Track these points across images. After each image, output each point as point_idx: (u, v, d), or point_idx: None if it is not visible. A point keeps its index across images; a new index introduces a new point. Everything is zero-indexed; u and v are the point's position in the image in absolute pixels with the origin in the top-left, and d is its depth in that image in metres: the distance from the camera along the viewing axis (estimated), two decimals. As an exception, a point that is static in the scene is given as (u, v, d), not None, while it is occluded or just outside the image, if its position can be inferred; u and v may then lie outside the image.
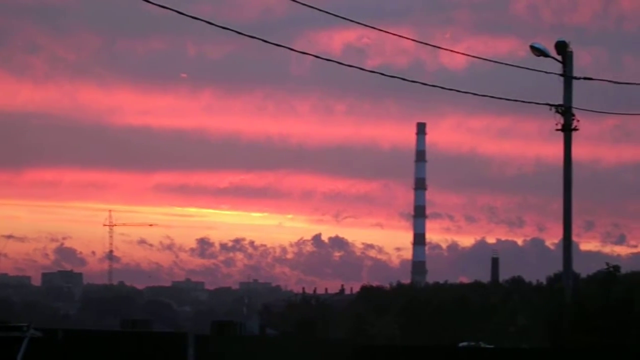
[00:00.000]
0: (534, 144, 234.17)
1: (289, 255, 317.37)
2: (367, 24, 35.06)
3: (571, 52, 38.83)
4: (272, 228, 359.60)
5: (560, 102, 39.22)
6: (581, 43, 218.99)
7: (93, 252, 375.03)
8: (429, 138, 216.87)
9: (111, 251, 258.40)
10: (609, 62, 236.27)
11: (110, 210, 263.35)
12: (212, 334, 60.46)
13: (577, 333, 37.11)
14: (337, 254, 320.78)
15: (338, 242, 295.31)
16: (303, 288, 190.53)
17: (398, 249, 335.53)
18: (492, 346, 62.74)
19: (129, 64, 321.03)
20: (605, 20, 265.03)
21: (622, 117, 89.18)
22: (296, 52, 33.61)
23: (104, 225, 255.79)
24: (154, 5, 26.23)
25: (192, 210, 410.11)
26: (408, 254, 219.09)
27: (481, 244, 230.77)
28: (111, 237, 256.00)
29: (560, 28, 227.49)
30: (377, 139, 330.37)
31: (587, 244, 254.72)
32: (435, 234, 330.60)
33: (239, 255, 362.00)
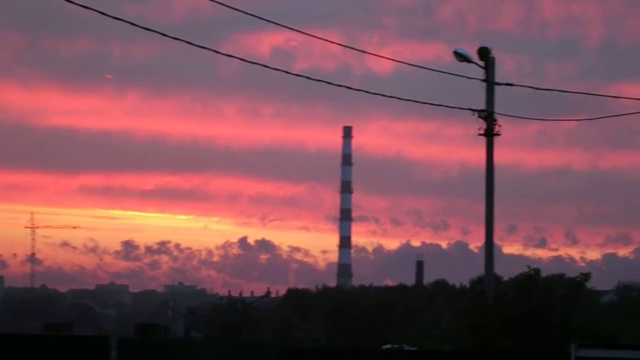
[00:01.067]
0: (458, 148, 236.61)
1: (215, 258, 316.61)
2: (294, 28, 35.14)
3: (493, 58, 39.34)
4: (198, 231, 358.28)
5: (483, 107, 39.71)
6: (505, 49, 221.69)
7: (14, 255, 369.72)
8: (355, 141, 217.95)
9: (33, 254, 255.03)
10: (532, 68, 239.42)
11: (32, 212, 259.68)
12: (135, 337, 59.94)
13: (497, 335, 37.58)
14: (263, 256, 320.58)
15: (264, 245, 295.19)
16: (229, 291, 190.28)
17: (324, 252, 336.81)
18: (415, 348, 63.26)
19: (53, 64, 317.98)
20: (528, 27, 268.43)
21: (544, 122, 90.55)
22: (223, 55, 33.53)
23: (26, 227, 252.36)
24: (78, 6, 26.05)
25: (117, 212, 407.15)
26: (334, 256, 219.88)
27: (406, 247, 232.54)
28: (33, 239, 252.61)
29: (485, 34, 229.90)
30: (304, 142, 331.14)
31: (509, 247, 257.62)
32: (361, 237, 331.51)
33: (165, 258, 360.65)
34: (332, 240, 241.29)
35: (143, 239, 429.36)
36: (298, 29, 35.78)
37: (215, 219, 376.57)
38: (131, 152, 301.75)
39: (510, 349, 36.69)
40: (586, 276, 40.37)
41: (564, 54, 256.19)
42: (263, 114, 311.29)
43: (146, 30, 28.86)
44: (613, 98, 60.26)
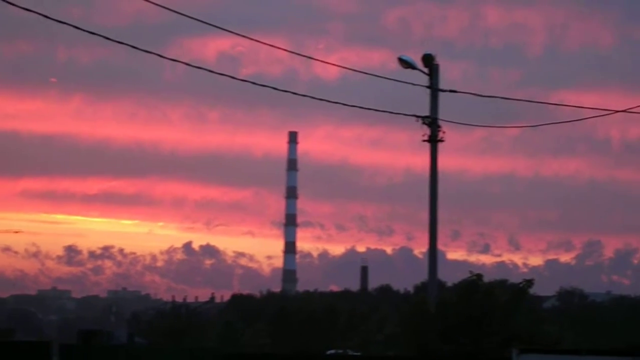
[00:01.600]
0: (404, 154, 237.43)
1: (159, 263, 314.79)
2: (240, 33, 35.11)
3: (437, 65, 39.62)
4: (142, 236, 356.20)
5: (428, 113, 39.95)
6: (450, 56, 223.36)
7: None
8: (301, 147, 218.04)
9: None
10: (476, 75, 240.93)
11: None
12: (78, 343, 59.51)
13: (440, 341, 37.79)
14: (208, 262, 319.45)
15: (209, 250, 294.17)
16: (173, 296, 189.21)
17: (269, 257, 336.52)
18: (358, 353, 63.41)
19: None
20: (472, 34, 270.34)
21: (488, 129, 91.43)
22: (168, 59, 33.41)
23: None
24: (20, 8, 25.85)
25: (60, 217, 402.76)
26: (279, 262, 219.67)
27: (351, 253, 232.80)
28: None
29: (430, 41, 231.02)
30: (250, 147, 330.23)
31: (454, 253, 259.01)
32: (306, 243, 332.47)
33: (108, 263, 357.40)
34: (277, 246, 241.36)
35: (86, 244, 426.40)
36: (244, 34, 35.80)
37: (160, 224, 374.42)
38: (75, 156, 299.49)
39: (453, 354, 36.92)
40: (529, 282, 40.78)
41: (507, 62, 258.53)
42: (209, 119, 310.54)
43: (90, 34, 28.67)
44: (555, 105, 60.98)
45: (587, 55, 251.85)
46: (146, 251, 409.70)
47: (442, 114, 40.32)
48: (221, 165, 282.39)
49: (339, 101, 39.41)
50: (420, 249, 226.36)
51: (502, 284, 50.31)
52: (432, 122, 39.74)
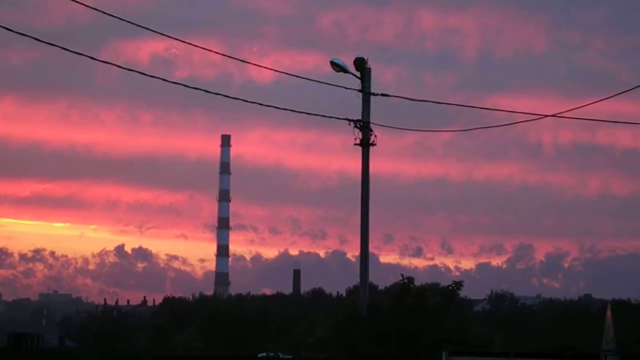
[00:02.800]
0: (337, 158, 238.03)
1: (91, 267, 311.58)
2: (174, 36, 34.98)
3: (369, 68, 39.79)
4: (74, 239, 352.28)
5: (360, 117, 40.12)
6: (385, 60, 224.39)
7: None
8: (234, 150, 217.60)
9: None
10: (410, 79, 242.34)
11: None
12: (8, 346, 58.99)
13: (371, 344, 37.98)
14: (140, 265, 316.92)
15: (141, 253, 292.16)
16: (105, 299, 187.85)
17: (202, 261, 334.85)
18: (290, 356, 63.55)
19: None
20: (407, 39, 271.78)
21: (421, 133, 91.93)
22: (101, 62, 33.17)
23: None
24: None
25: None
26: (212, 265, 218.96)
27: (284, 256, 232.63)
28: None
29: (364, 45, 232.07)
30: (183, 150, 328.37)
31: (386, 257, 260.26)
32: (239, 246, 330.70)
33: (39, 266, 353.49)
34: (209, 249, 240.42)
35: (17, 247, 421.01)
36: (178, 37, 35.67)
37: (93, 226, 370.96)
38: (6, 159, 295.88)
39: (384, 357, 37.12)
40: (458, 284, 41.05)
41: (441, 66, 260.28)
42: (142, 122, 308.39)
43: (22, 36, 28.41)
44: (488, 110, 61.62)
45: (520, 60, 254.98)
46: (78, 254, 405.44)
47: (375, 117, 40.52)
48: (154, 168, 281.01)
49: (271, 104, 39.46)
50: (353, 252, 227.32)
51: (433, 287, 50.66)
52: (364, 125, 39.90)
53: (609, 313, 34.33)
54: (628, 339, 51.50)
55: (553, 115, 40.05)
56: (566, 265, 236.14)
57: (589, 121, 39.81)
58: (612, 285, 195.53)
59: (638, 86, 35.62)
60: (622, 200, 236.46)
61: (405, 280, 39.64)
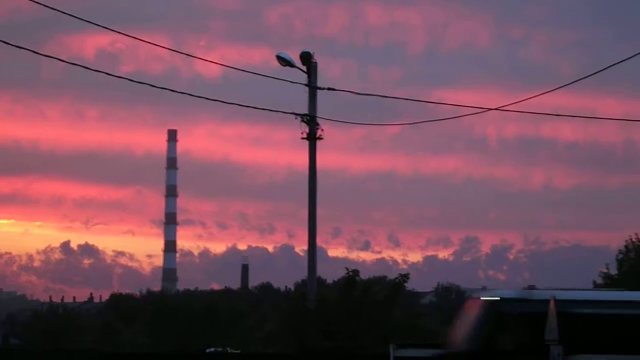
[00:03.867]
0: (285, 152, 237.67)
1: (36, 263, 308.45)
2: (119, 30, 34.73)
3: (315, 62, 39.88)
4: (18, 235, 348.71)
5: (307, 111, 40.17)
6: (332, 54, 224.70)
7: None
8: (182, 145, 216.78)
9: None
10: (357, 73, 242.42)
11: None
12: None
13: (319, 338, 38.05)
14: (86, 261, 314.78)
15: (88, 250, 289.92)
16: (50, 297, 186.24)
17: (149, 256, 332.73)
18: (238, 351, 63.47)
19: None
20: (353, 33, 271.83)
21: (368, 127, 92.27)
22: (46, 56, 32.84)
23: None
24: None
25: None
26: (159, 261, 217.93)
27: (233, 251, 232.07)
28: None
29: (312, 39, 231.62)
30: (130, 145, 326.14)
31: (334, 250, 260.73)
32: (186, 241, 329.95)
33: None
34: (157, 245, 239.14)
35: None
36: (123, 32, 35.45)
37: (38, 223, 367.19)
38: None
39: (331, 351, 37.19)
40: (405, 277, 41.26)
41: (388, 60, 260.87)
42: (88, 117, 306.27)
43: (-39, 29, 28.06)
44: (435, 104, 62.00)
45: (465, 54, 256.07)
46: (22, 251, 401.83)
47: (322, 111, 40.64)
48: (100, 164, 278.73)
49: (218, 99, 39.39)
50: (301, 246, 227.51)
51: (381, 280, 50.97)
52: (310, 119, 39.97)
53: (552, 303, 34.52)
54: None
55: (497, 109, 40.35)
56: (511, 257, 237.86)
57: (533, 115, 40.14)
58: (556, 277, 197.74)
59: (580, 79, 36.00)
60: (565, 193, 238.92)
61: (350, 273, 39.76)
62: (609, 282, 60.41)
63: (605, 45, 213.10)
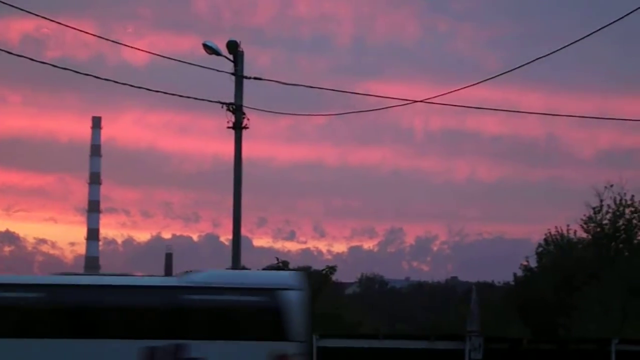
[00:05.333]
0: (212, 141, 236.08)
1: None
2: (45, 15, 34.34)
3: (242, 51, 39.80)
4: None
5: (234, 100, 40.13)
6: (261, 44, 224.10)
7: None
8: (107, 133, 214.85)
9: None
10: (285, 63, 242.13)
11: None
12: None
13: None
14: (7, 249, 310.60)
15: (8, 237, 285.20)
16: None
17: (72, 244, 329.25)
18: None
19: None
20: (282, 23, 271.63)
21: (296, 117, 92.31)
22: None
23: None
24: None
25: None
26: (82, 249, 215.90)
27: (157, 240, 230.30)
28: None
29: (240, 29, 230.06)
30: (54, 132, 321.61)
31: (260, 240, 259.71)
32: (110, 229, 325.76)
33: None
34: (80, 232, 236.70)
35: None
36: (49, 17, 35.02)
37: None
38: None
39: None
40: (332, 269, 41.58)
41: (316, 51, 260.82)
42: (10, 102, 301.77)
43: None
44: (362, 95, 62.22)
45: (393, 46, 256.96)
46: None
47: (251, 101, 40.55)
48: (23, 150, 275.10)
49: (143, 86, 39.07)
50: (226, 235, 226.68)
51: (306, 270, 51.04)
52: (236, 109, 39.88)
53: (473, 295, 35.06)
54: (490, 320, 52.68)
55: (422, 101, 40.62)
56: (435, 248, 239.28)
57: (458, 107, 40.44)
58: (478, 268, 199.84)
59: (504, 73, 36.38)
60: (488, 186, 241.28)
61: (280, 264, 39.86)
62: (529, 274, 61.24)
63: (530, 40, 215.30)
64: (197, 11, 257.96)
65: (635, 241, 58.30)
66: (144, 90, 38.90)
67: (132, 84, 38.53)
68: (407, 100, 40.88)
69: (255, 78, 40.04)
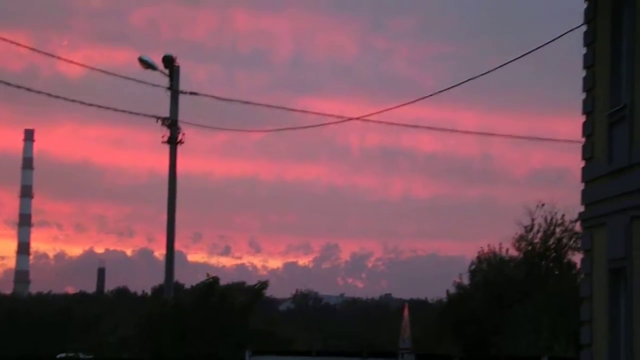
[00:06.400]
0: (147, 156, 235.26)
1: None
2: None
3: (178, 66, 39.79)
4: None
5: (169, 115, 40.00)
6: (198, 59, 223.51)
7: None
8: (39, 146, 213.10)
9: None
10: (223, 79, 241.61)
11: None
12: None
13: (176, 343, 37.86)
14: None
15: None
16: None
17: (1, 258, 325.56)
18: (90, 356, 62.50)
19: None
20: (220, 38, 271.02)
21: (232, 132, 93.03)
22: None
23: None
24: None
25: None
26: (11, 263, 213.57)
27: (89, 254, 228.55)
28: None
29: (178, 43, 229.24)
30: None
31: (195, 255, 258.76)
32: (42, 243, 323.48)
33: None
34: (10, 246, 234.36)
35: None
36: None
37: None
38: None
39: (187, 357, 37.04)
40: (264, 284, 41.48)
41: (254, 67, 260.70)
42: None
43: None
44: (299, 112, 62.43)
45: (331, 64, 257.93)
46: None
47: (187, 116, 40.54)
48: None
49: (77, 99, 39.03)
50: (160, 250, 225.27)
51: (239, 286, 50.92)
52: (172, 123, 39.83)
53: (406, 312, 35.21)
54: (423, 337, 53.01)
55: (359, 119, 40.92)
56: (370, 265, 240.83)
57: (394, 125, 40.85)
58: (412, 285, 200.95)
59: (439, 92, 36.77)
60: (423, 203, 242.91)
61: (211, 280, 39.76)
62: (462, 292, 61.69)
63: (465, 61, 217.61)
64: (134, 24, 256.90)
65: (565, 260, 58.99)
66: (79, 104, 38.76)
67: (67, 97, 38.54)
68: (344, 117, 41.17)
69: (191, 93, 40.04)
